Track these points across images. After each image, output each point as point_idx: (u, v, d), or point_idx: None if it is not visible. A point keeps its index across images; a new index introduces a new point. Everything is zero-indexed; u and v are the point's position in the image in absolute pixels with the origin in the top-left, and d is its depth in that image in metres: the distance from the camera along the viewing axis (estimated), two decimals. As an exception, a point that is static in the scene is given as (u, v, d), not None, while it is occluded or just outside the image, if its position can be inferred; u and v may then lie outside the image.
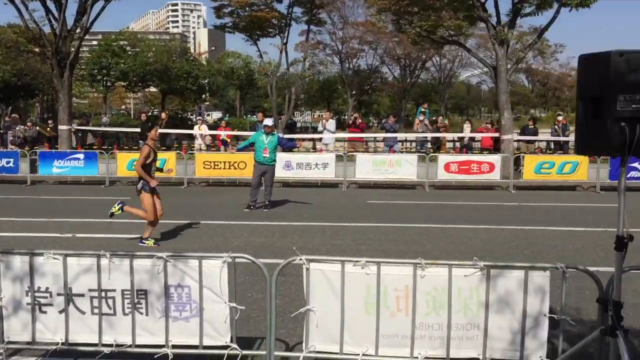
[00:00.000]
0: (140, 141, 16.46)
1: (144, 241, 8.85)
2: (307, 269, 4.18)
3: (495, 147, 20.63)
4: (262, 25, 25.07)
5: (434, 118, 27.98)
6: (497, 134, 20.13)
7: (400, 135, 24.57)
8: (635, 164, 16.09)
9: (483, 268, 4.09)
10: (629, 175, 15.99)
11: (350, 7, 46.44)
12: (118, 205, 8.99)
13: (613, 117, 3.50)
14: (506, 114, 18.86)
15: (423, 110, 24.30)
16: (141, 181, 8.72)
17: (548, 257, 8.12)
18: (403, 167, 16.97)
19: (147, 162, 8.70)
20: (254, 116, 31.70)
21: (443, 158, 17.43)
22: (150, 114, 47.43)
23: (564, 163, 16.55)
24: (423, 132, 22.63)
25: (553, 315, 4.09)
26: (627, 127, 3.49)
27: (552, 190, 16.27)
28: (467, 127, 25.54)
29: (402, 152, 22.57)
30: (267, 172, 12.69)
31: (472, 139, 23.31)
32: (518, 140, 20.55)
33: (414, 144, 24.63)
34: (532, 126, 21.53)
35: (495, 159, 17.14)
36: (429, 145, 22.96)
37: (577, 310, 5.82)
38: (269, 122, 13.00)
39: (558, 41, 52.62)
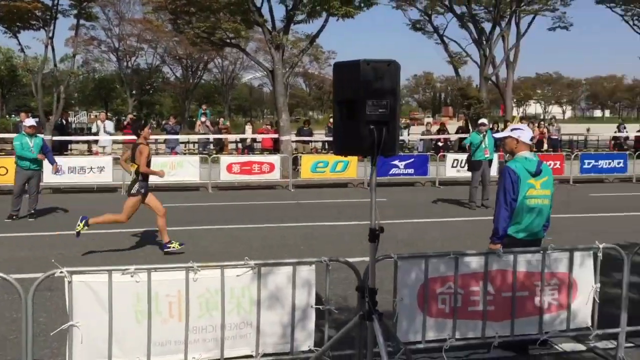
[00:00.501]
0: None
1: (168, 246, 8.41)
2: (70, 282, 3.88)
3: (275, 147, 21.38)
4: (23, 17, 22.65)
5: (218, 119, 28.09)
6: (276, 135, 20.89)
7: (183, 137, 24.18)
8: (396, 162, 17.89)
9: (254, 267, 4.20)
10: (390, 172, 17.78)
11: (127, 2, 44.44)
12: (82, 221, 8.18)
13: (363, 120, 3.81)
14: (284, 116, 19.66)
15: (204, 111, 24.22)
16: (138, 184, 8.22)
17: (322, 251, 8.59)
18: (185, 168, 16.72)
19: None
20: (18, 116, 28.60)
21: (225, 159, 17.56)
22: None
23: (336, 162, 17.74)
24: (205, 133, 22.57)
25: (319, 307, 4.35)
26: (375, 129, 3.83)
27: (327, 188, 17.37)
28: (248, 128, 26.09)
29: (184, 153, 22.24)
30: (32, 178, 11.55)
31: (253, 140, 23.87)
32: (295, 141, 21.56)
33: (196, 146, 24.43)
34: (307, 128, 22.79)
35: (275, 159, 17.78)
36: (211, 146, 22.97)
37: (345, 299, 6.29)
38: (29, 122, 11.82)
39: (331, 48, 56.37)
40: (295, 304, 4.29)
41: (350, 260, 4.82)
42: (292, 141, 20.58)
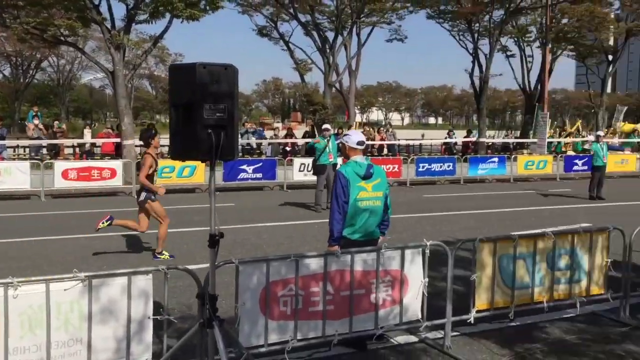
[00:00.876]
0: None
1: (158, 255, 8.50)
2: None
3: (117, 152, 20.36)
4: None
5: (53, 122, 26.16)
6: (118, 140, 19.90)
7: (11, 141, 22.17)
8: (244, 166, 17.88)
9: (84, 279, 3.93)
10: (239, 177, 17.73)
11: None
12: (107, 221, 8.33)
13: (201, 124, 3.76)
14: (126, 119, 18.78)
15: (34, 113, 22.39)
16: (144, 193, 8.37)
17: (166, 259, 8.39)
18: (13, 175, 15.33)
19: (150, 171, 8.33)
20: None
21: (60, 165, 16.36)
22: None
23: (183, 167, 17.31)
24: (38, 137, 20.88)
25: (157, 317, 4.18)
26: (213, 133, 3.79)
27: (174, 193, 16.85)
28: (87, 132, 24.64)
29: (13, 159, 20.38)
30: None
31: (93, 145, 22.55)
32: (139, 146, 20.70)
33: (27, 150, 22.53)
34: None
35: (117, 164, 16.91)
36: (44, 151, 21.30)
37: (189, 307, 6.13)
38: None
39: (178, 50, 55.04)
40: (131, 316, 4.08)
41: (195, 267, 4.72)
42: (136, 146, 19.71)
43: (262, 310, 4.56)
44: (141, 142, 9.49)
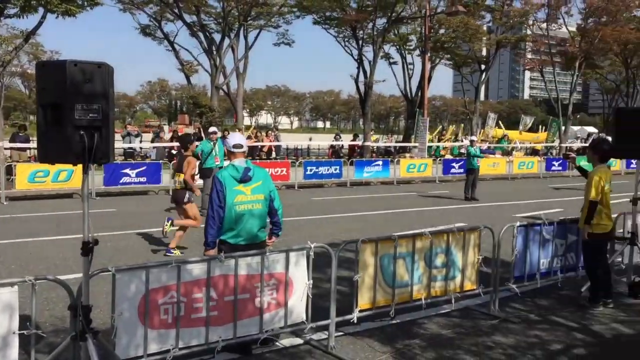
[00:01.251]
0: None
1: (172, 251, 8.92)
2: None
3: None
4: None
5: None
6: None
7: None
8: (127, 170, 17.17)
9: (-63, 294, 3.58)
10: (121, 181, 16.97)
11: None
12: (168, 221, 8.97)
13: (72, 125, 3.55)
14: (-6, 120, 17.39)
15: None
16: (188, 192, 9.04)
17: (36, 270, 7.84)
18: None
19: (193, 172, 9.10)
20: None
21: None
22: None
23: (59, 171, 16.28)
24: None
25: (23, 332, 3.89)
26: (86, 135, 3.59)
27: (49, 199, 15.86)
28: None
29: None
30: None
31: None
32: (9, 148, 19.28)
33: None
34: (23, 133, 20.60)
35: (-17, 168, 15.61)
36: None
37: (62, 320, 5.77)
38: None
39: (56, 48, 51.91)
40: (-7, 332, 3.77)
41: (71, 276, 4.44)
42: (5, 148, 18.28)
43: (141, 319, 4.38)
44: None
